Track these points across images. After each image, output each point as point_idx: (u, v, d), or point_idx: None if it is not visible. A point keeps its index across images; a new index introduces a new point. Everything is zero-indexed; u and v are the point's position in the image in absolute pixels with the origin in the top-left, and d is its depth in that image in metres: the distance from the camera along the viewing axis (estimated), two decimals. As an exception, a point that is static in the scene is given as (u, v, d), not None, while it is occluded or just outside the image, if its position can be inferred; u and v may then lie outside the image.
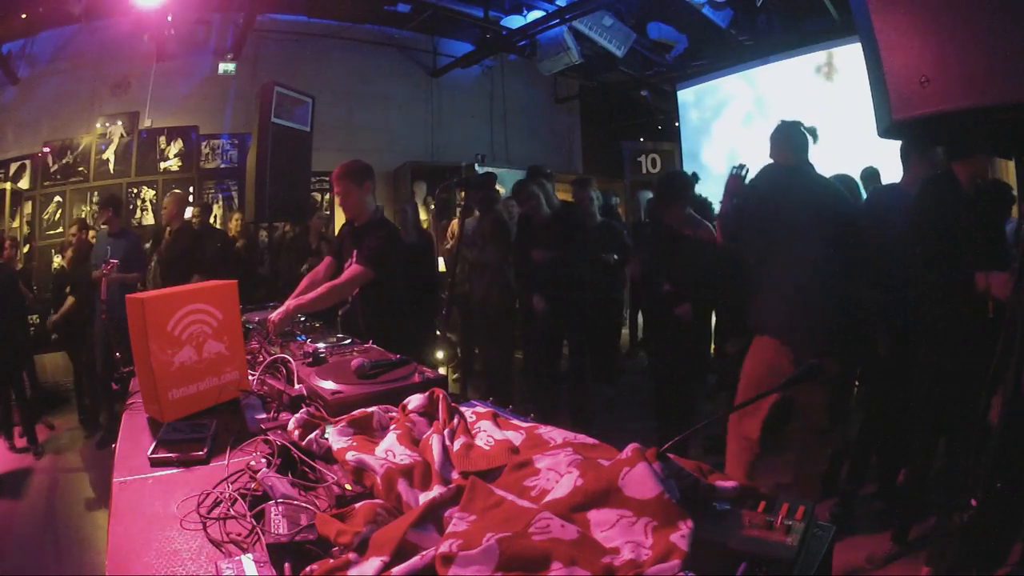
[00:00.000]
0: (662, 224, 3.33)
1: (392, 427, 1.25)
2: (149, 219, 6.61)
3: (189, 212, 6.32)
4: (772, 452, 2.81)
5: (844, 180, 3.25)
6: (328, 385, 1.51)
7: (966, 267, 2.14)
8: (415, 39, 8.09)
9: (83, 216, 6.10)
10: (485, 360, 4.63)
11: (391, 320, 2.63)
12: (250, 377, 1.71)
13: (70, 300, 4.63)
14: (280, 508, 0.94)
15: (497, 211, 4.20)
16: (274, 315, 2.24)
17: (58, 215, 6.36)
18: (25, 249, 6.13)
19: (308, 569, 0.82)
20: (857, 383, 3.33)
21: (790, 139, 2.63)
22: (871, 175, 4.08)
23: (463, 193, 4.92)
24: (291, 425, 1.29)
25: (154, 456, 1.25)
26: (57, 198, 6.35)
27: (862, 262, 2.50)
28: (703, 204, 3.78)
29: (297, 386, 1.56)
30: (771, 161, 2.70)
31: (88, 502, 3.27)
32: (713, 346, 4.21)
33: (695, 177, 3.64)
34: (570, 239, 3.65)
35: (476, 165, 7.03)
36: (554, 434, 1.19)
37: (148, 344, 1.43)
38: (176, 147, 6.81)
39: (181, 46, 6.55)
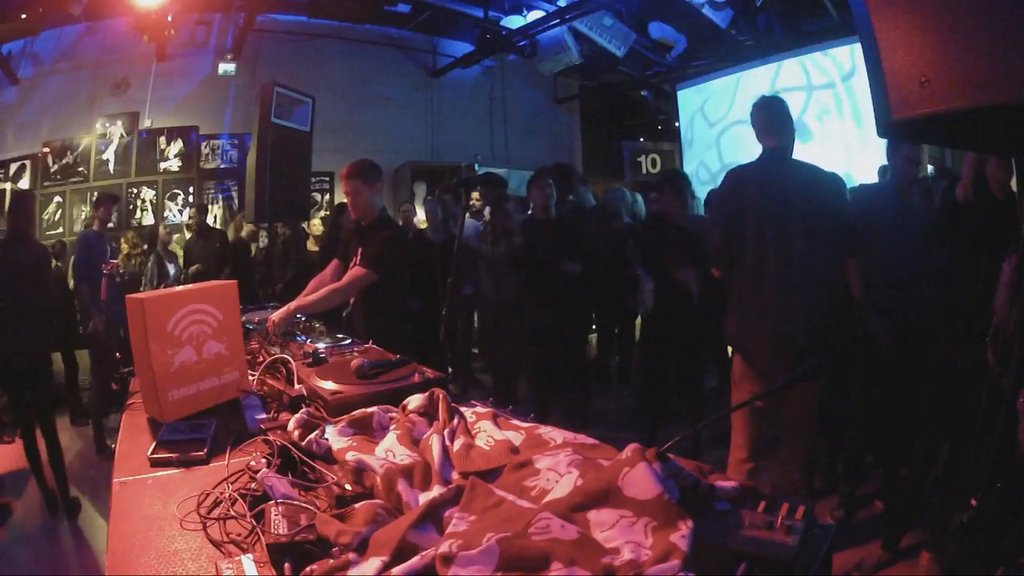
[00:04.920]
0: (661, 218, 3.40)
1: (392, 427, 1.25)
2: (148, 219, 6.61)
3: (187, 213, 6.33)
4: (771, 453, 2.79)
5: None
6: (328, 385, 1.50)
7: (983, 269, 2.11)
8: (415, 39, 8.09)
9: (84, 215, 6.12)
10: (491, 358, 4.62)
11: (392, 321, 2.62)
12: (250, 377, 1.71)
13: None
14: (280, 508, 0.94)
15: (508, 210, 4.26)
16: (275, 315, 2.25)
17: (58, 215, 6.36)
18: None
19: (308, 569, 0.82)
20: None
21: (772, 115, 2.27)
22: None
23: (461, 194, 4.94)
24: (291, 425, 1.29)
25: (154, 456, 1.25)
26: (57, 198, 6.35)
27: (861, 259, 2.45)
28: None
29: (297, 386, 1.56)
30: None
31: (88, 502, 3.27)
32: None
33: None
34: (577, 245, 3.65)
35: (476, 165, 7.03)
36: (554, 434, 1.19)
37: (148, 344, 1.43)
38: (176, 147, 6.81)
39: (181, 46, 6.57)
